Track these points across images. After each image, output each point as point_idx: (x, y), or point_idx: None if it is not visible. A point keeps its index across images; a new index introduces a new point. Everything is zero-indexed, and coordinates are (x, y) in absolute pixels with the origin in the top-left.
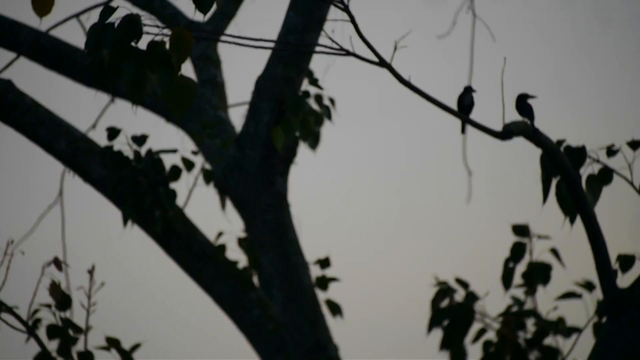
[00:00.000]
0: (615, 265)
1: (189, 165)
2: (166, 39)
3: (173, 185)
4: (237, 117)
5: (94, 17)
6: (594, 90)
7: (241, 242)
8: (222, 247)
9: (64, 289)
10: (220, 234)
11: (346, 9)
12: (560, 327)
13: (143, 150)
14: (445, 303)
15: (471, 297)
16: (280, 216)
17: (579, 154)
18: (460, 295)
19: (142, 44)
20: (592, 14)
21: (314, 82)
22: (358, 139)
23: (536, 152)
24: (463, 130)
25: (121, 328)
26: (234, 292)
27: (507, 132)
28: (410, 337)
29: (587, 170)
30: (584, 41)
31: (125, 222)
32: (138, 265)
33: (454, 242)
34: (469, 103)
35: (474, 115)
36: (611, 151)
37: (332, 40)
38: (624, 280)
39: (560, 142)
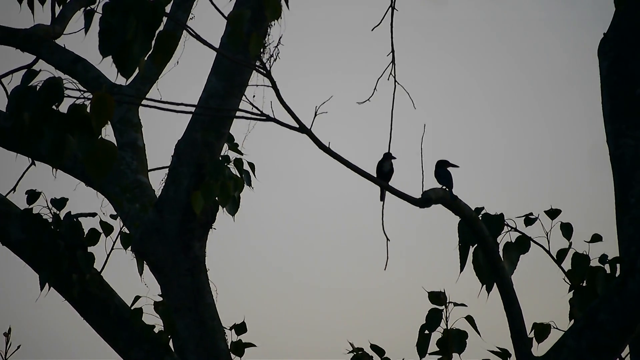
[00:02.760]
0: (530, 333)
1: (108, 228)
2: (88, 103)
3: (91, 249)
4: (157, 181)
5: (16, 80)
6: (512, 158)
7: (157, 307)
8: (139, 312)
9: None
10: (137, 298)
11: (268, 75)
12: None
13: (62, 214)
14: None
15: None
16: (197, 281)
17: (496, 222)
18: None
19: (64, 107)
20: (518, 79)
21: (234, 147)
22: (277, 203)
23: (455, 219)
24: (382, 197)
25: None
26: (149, 357)
27: (425, 200)
28: None
29: (505, 238)
30: (505, 109)
31: (42, 286)
32: (55, 328)
33: (371, 308)
34: (388, 170)
35: (394, 182)
36: (529, 220)
37: (253, 106)
38: (539, 349)
39: (478, 210)
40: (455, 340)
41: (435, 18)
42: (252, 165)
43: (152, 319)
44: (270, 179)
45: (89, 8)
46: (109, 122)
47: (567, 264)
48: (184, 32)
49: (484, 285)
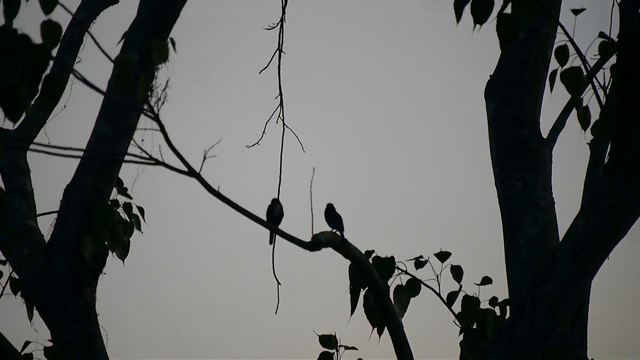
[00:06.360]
0: None
1: None
2: None
3: None
4: (46, 226)
5: None
6: (403, 201)
7: (48, 352)
8: (29, 357)
9: None
10: (27, 344)
11: (156, 118)
12: None
13: None
14: None
15: None
16: (87, 326)
17: (387, 265)
18: None
19: None
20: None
21: (123, 191)
22: (167, 247)
23: (346, 262)
24: (271, 241)
25: None
26: None
27: (315, 243)
28: None
29: (396, 281)
30: (394, 152)
31: None
32: None
33: (263, 352)
34: (278, 214)
35: (284, 226)
36: (419, 262)
37: (142, 149)
38: None
39: (369, 253)
40: None
41: (324, 61)
42: (141, 210)
43: None
44: (160, 223)
45: None
46: None
47: (457, 306)
48: (71, 75)
49: (375, 328)
